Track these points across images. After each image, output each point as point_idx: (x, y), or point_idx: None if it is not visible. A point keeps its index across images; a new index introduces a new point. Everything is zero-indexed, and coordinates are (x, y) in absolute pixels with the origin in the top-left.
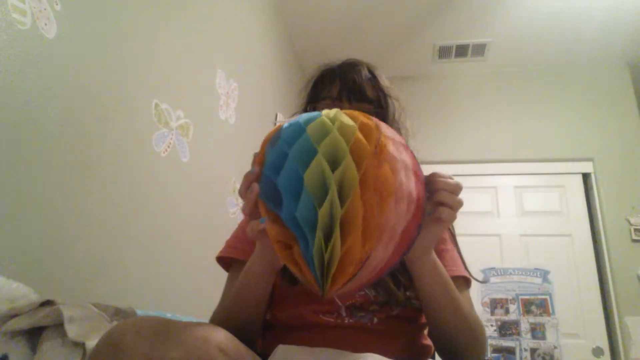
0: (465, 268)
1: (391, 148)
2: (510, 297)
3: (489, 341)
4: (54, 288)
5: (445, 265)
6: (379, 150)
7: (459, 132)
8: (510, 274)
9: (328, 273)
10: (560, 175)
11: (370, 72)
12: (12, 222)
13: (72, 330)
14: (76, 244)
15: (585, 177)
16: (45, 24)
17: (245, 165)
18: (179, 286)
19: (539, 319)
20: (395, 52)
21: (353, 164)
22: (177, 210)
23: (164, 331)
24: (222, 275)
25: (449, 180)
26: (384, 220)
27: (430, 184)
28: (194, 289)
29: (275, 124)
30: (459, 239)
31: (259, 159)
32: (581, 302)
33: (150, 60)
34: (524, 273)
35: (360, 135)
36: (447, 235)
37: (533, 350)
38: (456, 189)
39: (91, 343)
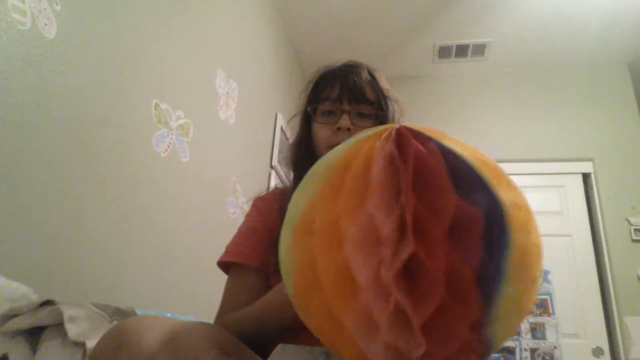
0: None
1: None
2: None
3: None
4: (54, 288)
5: None
6: None
7: (458, 132)
8: None
9: None
10: (560, 175)
11: (370, 74)
12: (12, 222)
13: (72, 330)
14: (76, 244)
15: (585, 177)
16: (45, 24)
17: (245, 165)
18: (179, 286)
19: (539, 319)
20: (396, 52)
21: None
22: (177, 210)
23: (166, 330)
24: (222, 275)
25: None
26: None
27: None
28: (193, 289)
29: (275, 124)
30: None
31: None
32: (581, 302)
33: (150, 60)
34: None
35: None
36: None
37: (533, 350)
38: None
39: (91, 342)
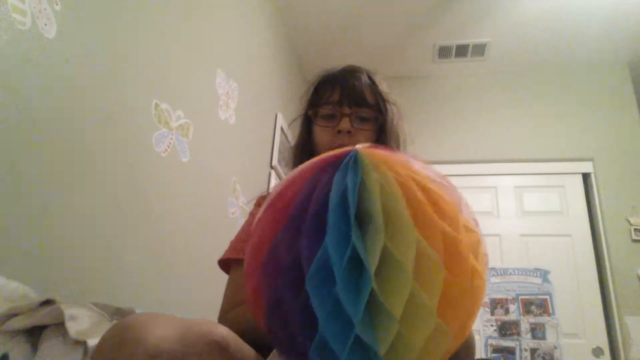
0: None
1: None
2: (510, 297)
3: (489, 341)
4: (54, 288)
5: None
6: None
7: (458, 132)
8: (510, 274)
9: None
10: (560, 175)
11: (370, 78)
12: (12, 222)
13: (73, 328)
14: (76, 244)
15: (585, 177)
16: (45, 24)
17: (245, 165)
18: (179, 286)
19: (539, 319)
20: (395, 52)
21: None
22: (177, 210)
23: (171, 325)
24: (223, 275)
25: None
26: None
27: None
28: (193, 289)
29: (275, 124)
30: None
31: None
32: (581, 302)
33: (150, 60)
34: (524, 273)
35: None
36: None
37: (533, 350)
38: None
39: (92, 341)
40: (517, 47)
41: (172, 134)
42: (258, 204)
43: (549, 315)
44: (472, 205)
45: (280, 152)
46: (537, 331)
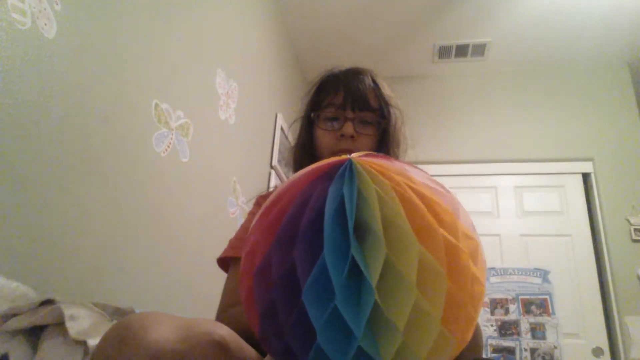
0: None
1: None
2: (510, 297)
3: (489, 341)
4: (54, 288)
5: None
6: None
7: (458, 132)
8: (510, 274)
9: None
10: (560, 175)
11: (374, 80)
12: (12, 222)
13: (73, 328)
14: (76, 244)
15: (585, 177)
16: (45, 24)
17: (245, 165)
18: (179, 286)
19: (539, 319)
20: (395, 52)
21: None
22: (177, 210)
23: (171, 324)
24: (223, 274)
25: None
26: None
27: None
28: (193, 289)
29: (275, 124)
30: None
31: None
32: (581, 302)
33: (150, 60)
34: (524, 273)
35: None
36: None
37: (533, 350)
38: None
39: (93, 341)
40: (517, 47)
41: (172, 134)
42: (258, 204)
43: (549, 315)
44: (472, 205)
45: (280, 152)
46: (537, 331)
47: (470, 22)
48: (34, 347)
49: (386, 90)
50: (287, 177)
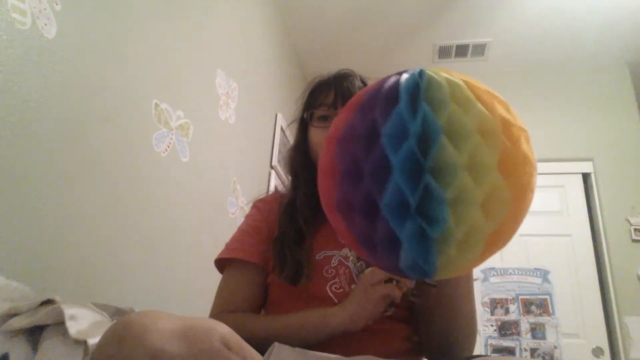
0: None
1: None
2: (510, 297)
3: (489, 341)
4: (54, 288)
5: None
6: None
7: None
8: (510, 274)
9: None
10: (560, 175)
11: (363, 82)
12: (12, 222)
13: (73, 328)
14: (76, 244)
15: (585, 177)
16: (45, 24)
17: (245, 165)
18: (179, 286)
19: (539, 319)
20: (396, 52)
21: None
22: (177, 211)
23: (171, 323)
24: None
25: None
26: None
27: None
28: (193, 289)
29: (275, 124)
30: None
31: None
32: (581, 302)
33: (150, 60)
34: (524, 273)
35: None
36: None
37: (533, 350)
38: None
39: (93, 340)
40: (517, 47)
41: (172, 134)
42: (255, 207)
43: (549, 315)
44: None
45: (280, 152)
46: (537, 331)
47: (470, 22)
48: (34, 347)
49: None
50: (287, 177)
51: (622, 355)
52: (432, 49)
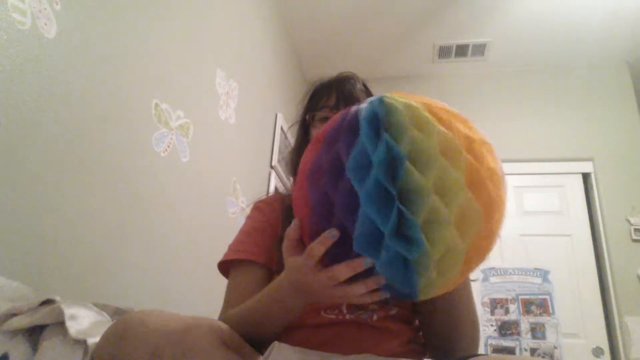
0: None
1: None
2: (510, 297)
3: (489, 341)
4: (54, 288)
5: None
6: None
7: None
8: (510, 273)
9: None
10: (560, 175)
11: (364, 85)
12: (12, 222)
13: (73, 328)
14: (76, 244)
15: (585, 177)
16: (45, 24)
17: (245, 165)
18: (179, 286)
19: (539, 319)
20: (396, 52)
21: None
22: (177, 210)
23: (171, 322)
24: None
25: None
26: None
27: None
28: (193, 289)
29: (275, 124)
30: None
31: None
32: (581, 302)
33: (150, 60)
34: (524, 273)
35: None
36: None
37: (533, 350)
38: None
39: (92, 340)
40: (517, 47)
41: (172, 134)
42: (256, 207)
43: (549, 315)
44: None
45: (280, 152)
46: (537, 331)
47: (470, 22)
48: (34, 347)
49: (375, 94)
50: (287, 178)
51: (622, 355)
52: (432, 49)
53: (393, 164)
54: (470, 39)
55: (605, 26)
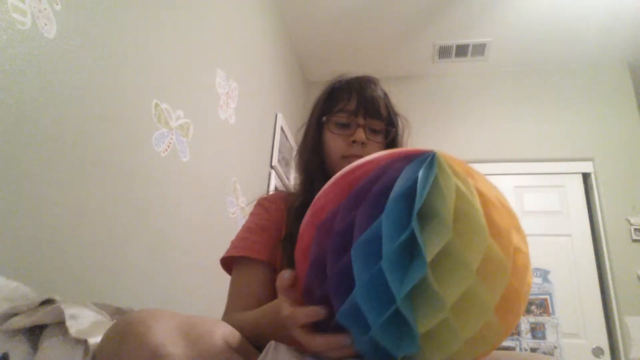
0: None
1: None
2: None
3: None
4: (54, 288)
5: None
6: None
7: (458, 132)
8: None
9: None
10: (560, 175)
11: (382, 90)
12: (11, 222)
13: (73, 327)
14: (76, 244)
15: (585, 177)
16: (45, 24)
17: (245, 165)
18: (179, 286)
19: (539, 319)
20: (395, 52)
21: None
22: (177, 210)
23: (174, 321)
24: (222, 274)
25: None
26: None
27: None
28: (193, 289)
29: (275, 124)
30: None
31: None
32: (581, 302)
33: (150, 60)
34: None
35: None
36: None
37: (533, 350)
38: None
39: (93, 339)
40: (517, 47)
41: (172, 134)
42: (260, 205)
43: (549, 315)
44: None
45: (280, 152)
46: (537, 331)
47: (470, 22)
48: (34, 347)
49: (393, 99)
50: (287, 178)
51: (622, 355)
52: (432, 49)
53: (408, 264)
54: (470, 39)
55: (605, 26)
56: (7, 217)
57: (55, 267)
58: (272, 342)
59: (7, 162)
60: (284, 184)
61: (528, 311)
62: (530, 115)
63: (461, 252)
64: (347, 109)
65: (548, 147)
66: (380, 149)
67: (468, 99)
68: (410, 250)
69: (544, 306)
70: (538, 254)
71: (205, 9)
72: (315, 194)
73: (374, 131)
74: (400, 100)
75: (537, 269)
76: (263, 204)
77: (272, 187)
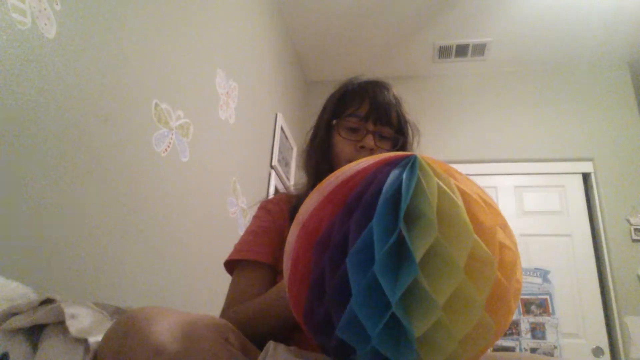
0: None
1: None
2: None
3: None
4: (54, 288)
5: None
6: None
7: (459, 132)
8: None
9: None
10: (560, 175)
11: (395, 96)
12: (12, 222)
13: (74, 326)
14: (76, 244)
15: (585, 177)
16: (45, 24)
17: (245, 165)
18: (179, 286)
19: (539, 319)
20: (395, 52)
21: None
22: (177, 210)
23: (175, 319)
24: (222, 274)
25: None
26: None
27: None
28: (193, 289)
29: (275, 124)
30: None
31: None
32: (581, 302)
33: (150, 60)
34: (524, 273)
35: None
36: None
37: (533, 350)
38: None
39: (94, 338)
40: (517, 47)
41: (172, 134)
42: (263, 208)
43: (549, 315)
44: None
45: (280, 152)
46: (537, 331)
47: (470, 22)
48: (34, 346)
49: (405, 106)
50: (287, 178)
51: (622, 355)
52: (432, 49)
53: (399, 265)
54: (470, 39)
55: (606, 26)
56: (7, 217)
57: (56, 267)
58: (272, 342)
59: (7, 162)
60: (283, 184)
61: (528, 311)
62: (531, 115)
63: (448, 250)
64: (358, 114)
65: (548, 147)
66: None
67: (468, 98)
68: (400, 253)
69: (543, 306)
70: (538, 254)
71: (205, 9)
72: None
73: (383, 138)
74: (412, 125)
75: (537, 269)
76: (266, 207)
77: (272, 187)
